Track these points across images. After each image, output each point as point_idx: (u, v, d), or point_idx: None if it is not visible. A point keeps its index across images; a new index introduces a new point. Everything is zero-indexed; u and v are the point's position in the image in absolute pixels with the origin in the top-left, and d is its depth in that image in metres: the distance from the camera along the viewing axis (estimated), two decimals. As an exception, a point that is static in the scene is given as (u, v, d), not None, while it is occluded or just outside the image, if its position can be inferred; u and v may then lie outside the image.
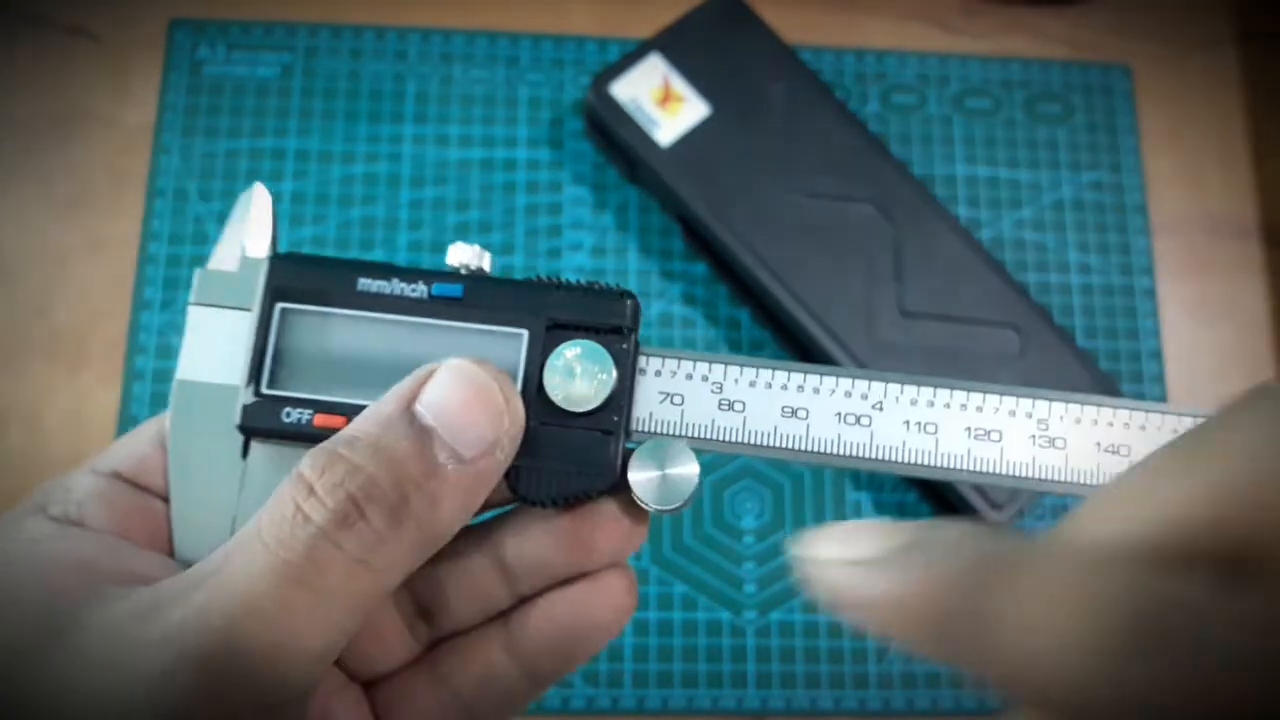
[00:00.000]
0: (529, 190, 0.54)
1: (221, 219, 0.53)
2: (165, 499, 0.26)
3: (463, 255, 0.26)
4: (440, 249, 0.53)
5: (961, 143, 0.57)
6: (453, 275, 0.25)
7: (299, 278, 0.25)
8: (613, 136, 0.52)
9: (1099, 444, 0.24)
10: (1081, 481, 0.24)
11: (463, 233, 0.53)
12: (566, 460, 0.25)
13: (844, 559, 0.19)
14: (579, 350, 0.25)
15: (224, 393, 0.25)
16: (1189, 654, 0.14)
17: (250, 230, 0.26)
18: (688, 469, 0.25)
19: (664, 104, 0.52)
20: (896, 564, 0.18)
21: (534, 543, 0.27)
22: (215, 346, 0.25)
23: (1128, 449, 0.24)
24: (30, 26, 0.55)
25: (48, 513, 0.24)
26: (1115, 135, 0.57)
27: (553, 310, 0.25)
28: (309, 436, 0.24)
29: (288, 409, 0.25)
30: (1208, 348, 0.55)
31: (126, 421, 0.50)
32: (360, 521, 0.22)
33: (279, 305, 0.25)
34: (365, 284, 0.25)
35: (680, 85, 0.52)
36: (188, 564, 0.24)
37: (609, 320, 0.25)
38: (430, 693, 0.28)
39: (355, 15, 0.56)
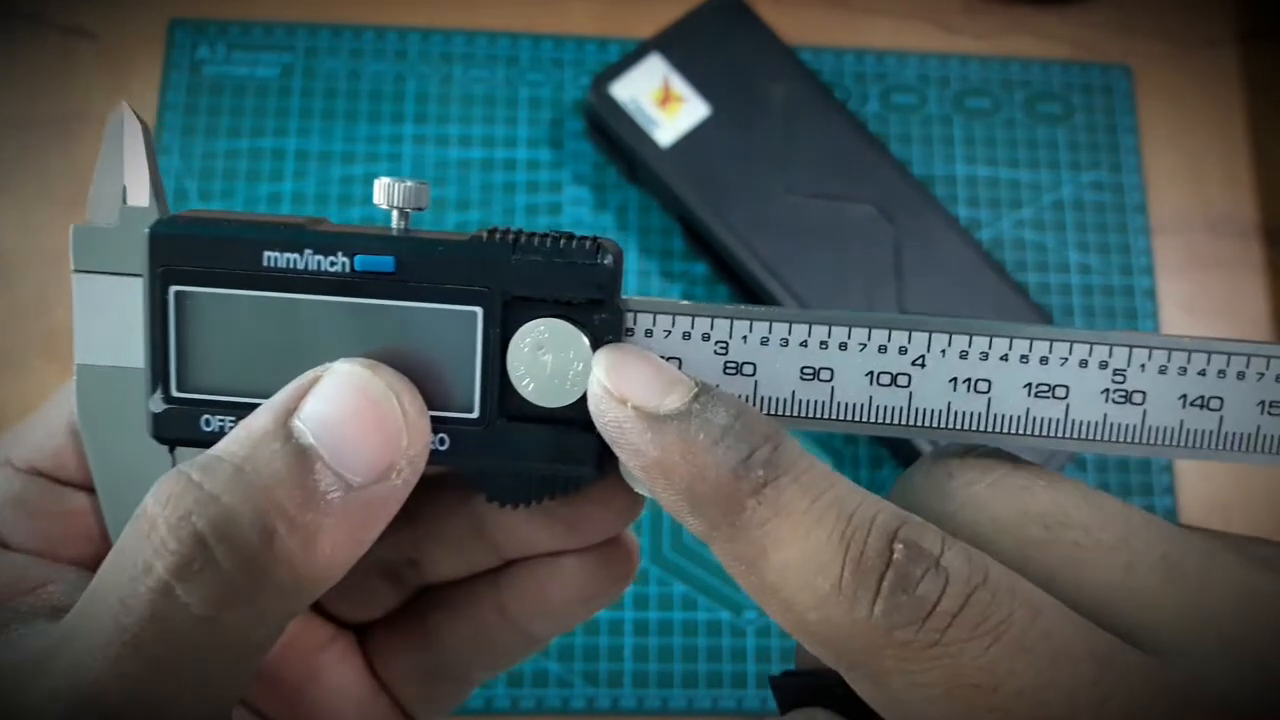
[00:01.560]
0: (529, 190, 0.54)
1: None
2: (87, 489, 0.23)
3: (394, 195, 0.21)
4: (440, 249, 0.53)
5: (961, 143, 0.57)
6: (383, 242, 0.20)
7: (190, 253, 0.20)
8: (613, 136, 0.52)
9: (1184, 397, 0.21)
10: (1161, 443, 0.21)
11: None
12: (540, 459, 0.21)
13: (642, 404, 0.19)
14: (546, 333, 0.20)
15: (135, 377, 0.21)
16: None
17: (127, 170, 0.21)
18: None
19: (664, 104, 0.52)
20: (679, 431, 0.19)
21: (518, 522, 0.24)
22: (113, 321, 0.21)
23: (1219, 401, 0.21)
24: (29, 26, 0.55)
25: None
26: (1115, 135, 0.57)
27: (508, 281, 0.20)
28: None
29: (206, 415, 0.21)
30: (1208, 348, 0.55)
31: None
32: (207, 567, 0.18)
33: (172, 289, 0.20)
34: (272, 257, 0.20)
35: (680, 85, 0.52)
36: None
37: (581, 292, 0.20)
38: (421, 645, 0.26)
39: (355, 15, 0.56)
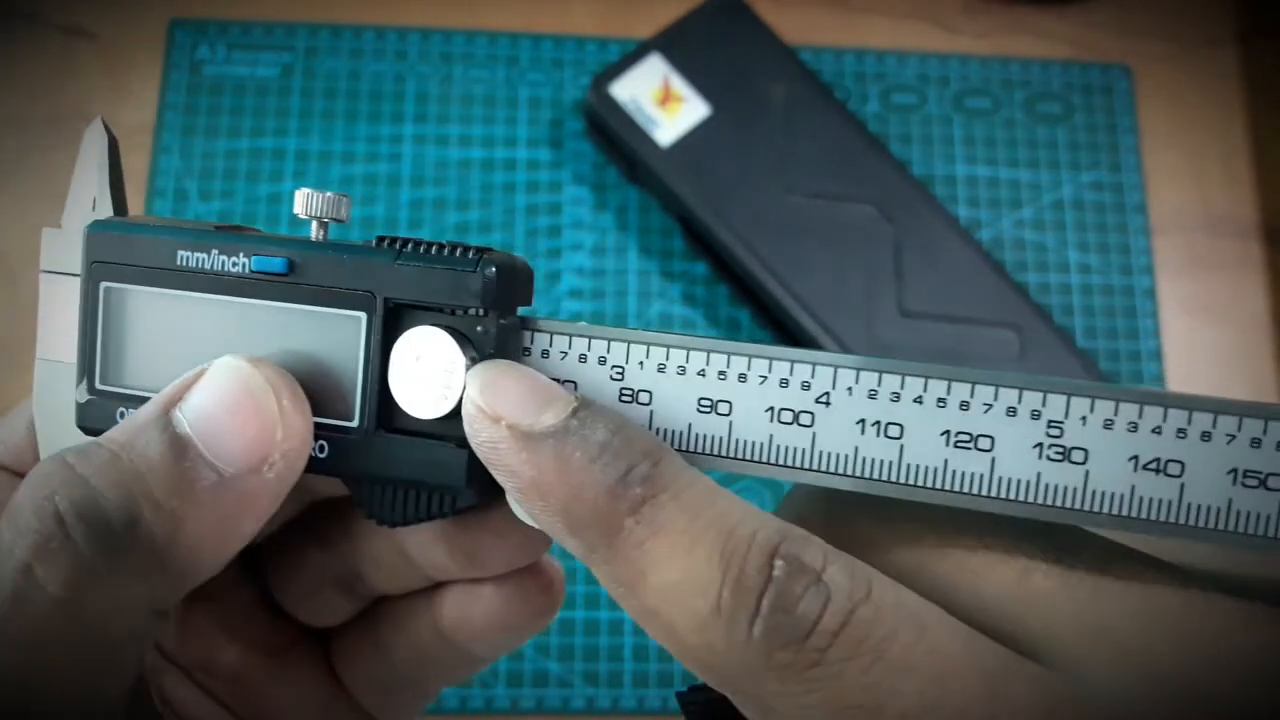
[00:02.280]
0: (529, 190, 0.54)
1: (222, 219, 0.53)
2: None
3: (312, 205, 0.21)
4: (440, 249, 0.53)
5: (961, 143, 0.57)
6: (279, 243, 0.20)
7: (119, 250, 0.21)
8: (613, 136, 0.52)
9: (1136, 459, 0.18)
10: (1107, 511, 0.18)
11: (463, 232, 0.53)
12: (414, 473, 0.20)
13: (516, 423, 0.18)
14: (424, 342, 0.20)
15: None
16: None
17: (98, 182, 0.22)
18: None
19: (664, 104, 0.52)
20: (555, 450, 0.18)
21: (428, 546, 0.24)
22: (70, 319, 0.22)
23: (1178, 466, 0.17)
24: (30, 26, 0.55)
25: None
26: (1115, 135, 0.57)
27: (391, 286, 0.20)
28: None
29: (121, 409, 0.21)
30: (1207, 347, 0.55)
31: (126, 421, 0.50)
32: (64, 547, 0.18)
33: (103, 284, 0.21)
34: (184, 256, 0.21)
35: (680, 85, 0.52)
36: None
37: (457, 299, 0.20)
38: (374, 655, 0.26)
39: (355, 15, 0.56)
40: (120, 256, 0.21)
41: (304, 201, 0.21)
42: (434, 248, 0.20)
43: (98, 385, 0.21)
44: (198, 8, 0.56)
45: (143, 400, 0.20)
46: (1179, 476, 0.17)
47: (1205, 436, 0.17)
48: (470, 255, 0.20)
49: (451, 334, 0.20)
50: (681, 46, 0.53)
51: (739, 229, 0.50)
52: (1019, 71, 0.58)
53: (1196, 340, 0.55)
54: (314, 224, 0.21)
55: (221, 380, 0.20)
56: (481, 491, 0.21)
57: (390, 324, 0.20)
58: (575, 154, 0.55)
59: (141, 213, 0.52)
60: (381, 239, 0.20)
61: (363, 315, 0.20)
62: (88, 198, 0.22)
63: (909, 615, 0.17)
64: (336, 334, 0.20)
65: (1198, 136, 0.58)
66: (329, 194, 0.21)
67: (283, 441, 0.19)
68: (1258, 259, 0.56)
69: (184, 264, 0.21)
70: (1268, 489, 0.17)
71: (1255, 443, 0.17)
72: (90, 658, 0.19)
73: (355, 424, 0.20)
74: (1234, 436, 0.17)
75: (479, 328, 0.20)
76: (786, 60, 0.53)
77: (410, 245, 0.20)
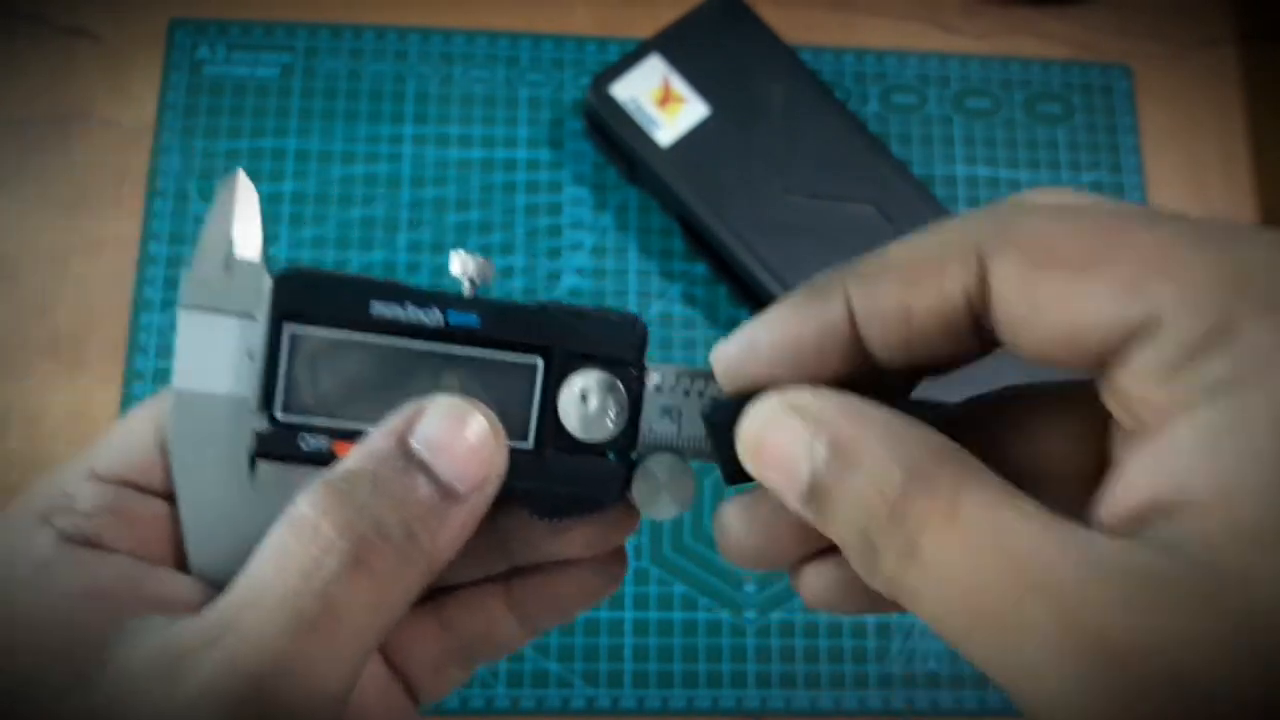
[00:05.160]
0: (529, 190, 0.54)
1: (221, 219, 0.53)
2: (165, 497, 0.25)
3: (467, 267, 0.25)
4: (440, 249, 0.53)
5: (961, 143, 0.57)
6: (467, 302, 0.25)
7: (307, 298, 0.24)
8: (613, 136, 0.52)
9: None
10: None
11: (463, 232, 0.53)
12: (576, 483, 0.25)
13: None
14: (593, 381, 0.25)
15: (224, 402, 0.24)
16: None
17: (237, 226, 0.25)
18: (684, 480, 0.26)
19: (664, 104, 0.52)
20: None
21: (538, 536, 0.28)
22: (210, 353, 0.24)
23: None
24: (30, 26, 0.55)
25: (54, 526, 0.24)
26: (1115, 135, 0.57)
27: (566, 340, 0.25)
28: (328, 462, 0.24)
29: (304, 436, 0.24)
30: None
31: (126, 421, 0.50)
32: (376, 562, 0.22)
33: (289, 329, 0.24)
34: (379, 308, 0.24)
35: (680, 85, 0.52)
36: (203, 575, 0.25)
37: (620, 351, 0.25)
38: (435, 636, 0.29)
39: (355, 15, 0.56)
40: (308, 303, 0.24)
41: (460, 264, 0.25)
42: (595, 311, 0.25)
43: (278, 416, 0.24)
44: (198, 8, 0.56)
45: (325, 430, 0.24)
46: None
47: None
48: (626, 317, 0.25)
49: (617, 377, 0.25)
50: (681, 46, 0.53)
51: (739, 229, 0.50)
52: (1019, 71, 0.58)
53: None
54: (466, 282, 0.25)
55: (447, 414, 0.23)
56: (620, 493, 0.25)
57: (559, 368, 0.25)
58: (575, 154, 0.55)
59: (140, 213, 0.53)
60: (547, 303, 0.25)
61: (539, 360, 0.25)
62: (223, 239, 0.25)
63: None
64: (513, 374, 0.25)
65: (1197, 136, 0.58)
66: (480, 258, 0.25)
67: (498, 464, 0.24)
68: (1258, 259, 0.56)
69: (378, 314, 0.24)
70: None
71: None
72: (374, 644, 0.22)
73: (530, 444, 0.25)
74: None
75: (629, 371, 0.25)
76: (786, 60, 0.53)
77: (575, 309, 0.25)
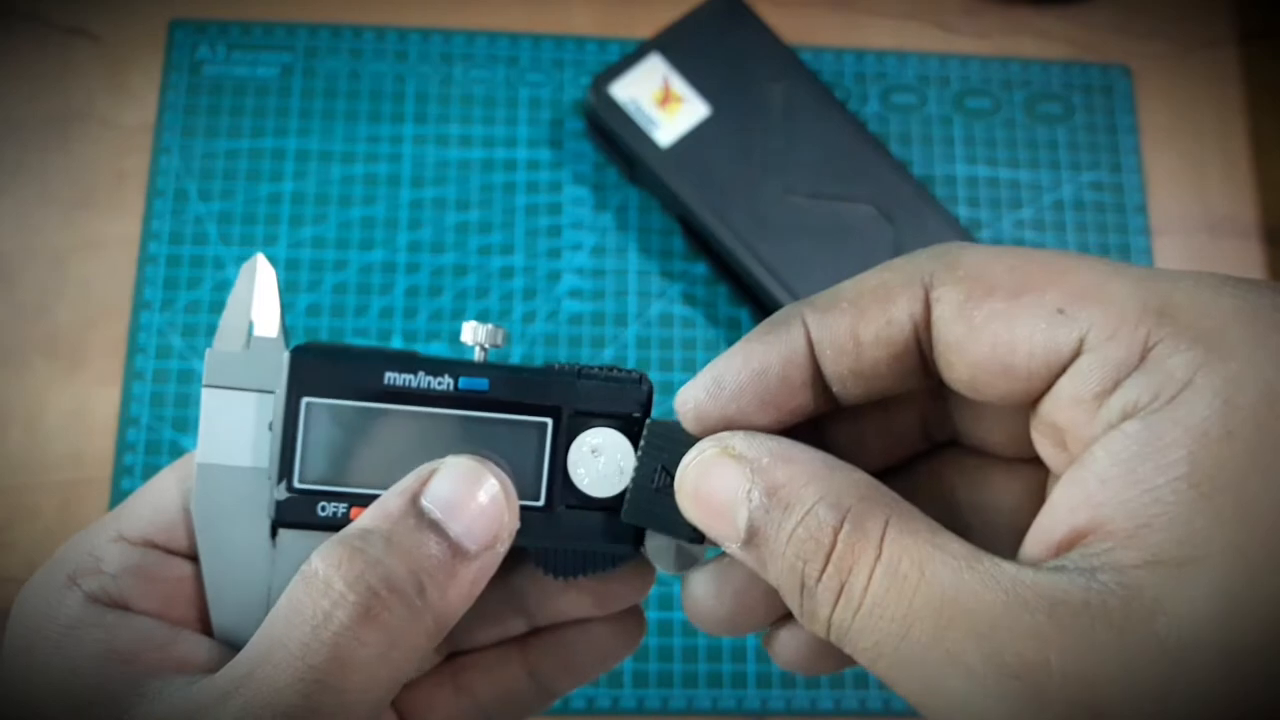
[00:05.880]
0: (529, 190, 0.54)
1: (222, 219, 0.53)
2: (193, 558, 0.26)
3: (478, 335, 0.26)
4: (440, 249, 0.53)
5: (961, 143, 0.57)
6: (477, 367, 0.26)
7: (322, 371, 0.25)
8: (613, 136, 0.52)
9: None
10: None
11: (463, 232, 0.53)
12: (589, 539, 0.26)
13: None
14: (601, 439, 0.26)
15: (246, 475, 0.25)
16: None
17: (256, 306, 0.26)
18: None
19: (664, 104, 0.52)
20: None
21: (554, 594, 0.28)
22: (233, 428, 0.26)
23: None
24: (30, 26, 0.55)
25: (81, 588, 0.24)
26: (1115, 135, 0.57)
27: (573, 400, 0.26)
28: (344, 527, 0.25)
29: (322, 503, 0.25)
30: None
31: (126, 422, 0.50)
32: (383, 614, 0.22)
33: (304, 400, 0.25)
34: (391, 378, 0.25)
35: (680, 85, 0.52)
36: (226, 639, 0.25)
37: (627, 409, 0.26)
38: (451, 700, 0.29)
39: (355, 15, 0.56)
40: (323, 376, 0.25)
41: (471, 332, 0.26)
42: (601, 370, 0.26)
43: (296, 484, 0.25)
44: (198, 8, 0.56)
45: (342, 495, 0.25)
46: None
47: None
48: (633, 376, 0.26)
49: (621, 432, 0.26)
50: (681, 46, 0.53)
51: (739, 229, 0.50)
52: (1019, 71, 0.58)
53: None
54: (477, 349, 0.26)
55: (460, 474, 0.24)
56: (636, 546, 0.26)
57: (569, 427, 0.26)
58: (575, 154, 0.55)
59: (140, 213, 0.53)
60: (554, 365, 0.26)
61: (549, 420, 0.26)
62: (243, 320, 0.26)
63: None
64: (525, 434, 0.26)
65: (1198, 137, 0.58)
66: (489, 326, 0.26)
67: (509, 523, 0.24)
68: (1258, 259, 0.56)
69: (391, 383, 0.25)
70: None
71: None
72: (384, 696, 0.23)
73: (541, 502, 0.26)
74: None
75: (637, 429, 0.26)
76: (786, 60, 0.53)
77: (585, 369, 0.26)
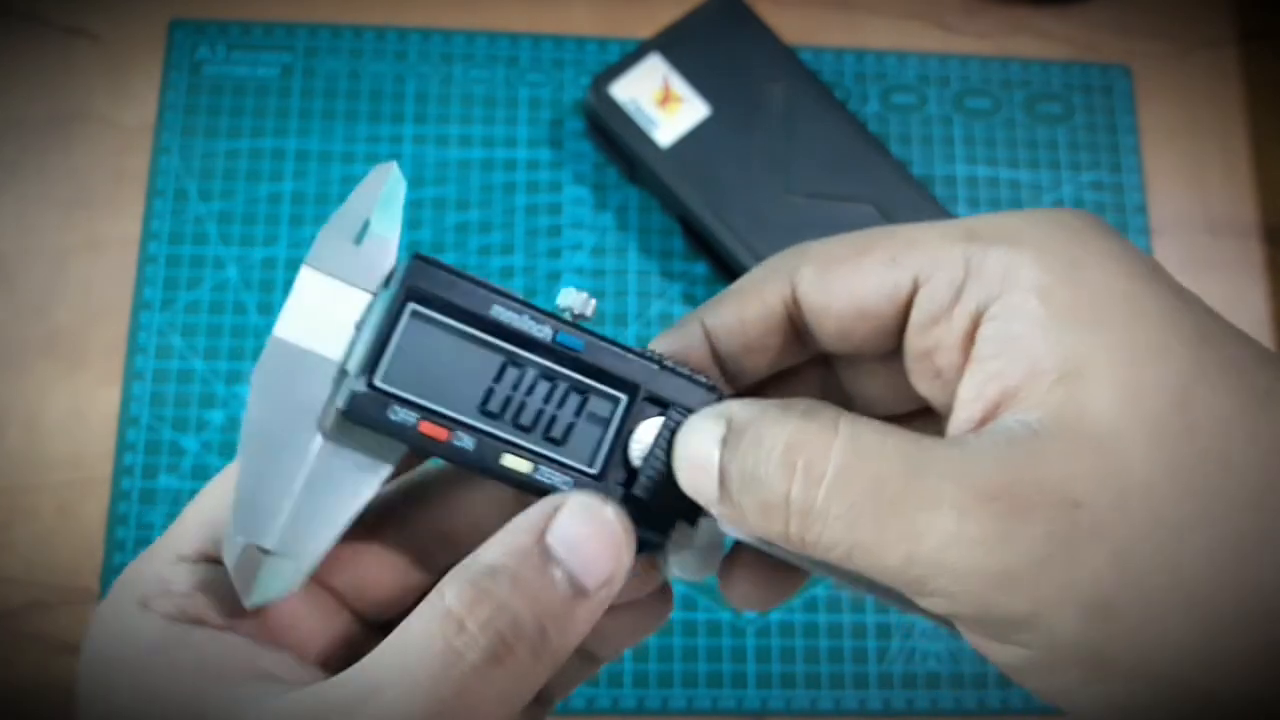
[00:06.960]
0: (529, 190, 0.54)
1: (222, 219, 0.53)
2: None
3: (573, 300, 0.27)
4: (440, 249, 0.53)
5: (961, 143, 0.57)
6: (576, 328, 0.26)
7: (437, 285, 0.25)
8: (612, 137, 0.52)
9: None
10: None
11: (463, 232, 0.53)
12: (632, 519, 0.26)
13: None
14: (660, 430, 0.26)
15: (316, 363, 0.25)
16: None
17: (381, 207, 0.26)
18: (715, 552, 0.27)
19: (664, 104, 0.52)
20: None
21: None
22: (319, 314, 0.25)
23: None
24: (30, 26, 0.55)
25: (156, 611, 0.25)
26: (1115, 135, 0.57)
27: (654, 384, 0.26)
28: (410, 438, 0.25)
29: (395, 407, 0.25)
30: (1208, 348, 0.55)
31: (126, 422, 0.50)
32: (510, 658, 0.23)
33: (411, 305, 0.25)
34: (499, 311, 0.25)
35: (680, 85, 0.52)
36: (236, 537, 0.24)
37: (697, 407, 0.26)
38: None
39: (355, 15, 0.56)
40: (436, 289, 0.25)
41: (566, 297, 0.27)
42: (685, 369, 0.26)
43: (377, 383, 0.25)
44: (198, 8, 0.56)
45: (414, 406, 0.25)
46: None
47: None
48: (709, 383, 0.26)
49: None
50: (681, 47, 0.53)
51: (739, 229, 0.50)
52: (1019, 71, 0.58)
53: (1196, 340, 0.55)
54: (568, 313, 0.27)
55: (583, 513, 0.25)
56: (666, 535, 0.27)
57: (639, 408, 0.26)
58: (575, 154, 0.55)
59: (140, 213, 0.53)
60: (645, 352, 0.27)
61: (623, 396, 0.26)
62: (360, 215, 0.26)
63: None
64: (599, 402, 0.26)
65: (1198, 137, 0.58)
66: (585, 294, 0.27)
67: (626, 562, 0.25)
68: (1258, 259, 0.56)
69: (496, 316, 0.25)
70: None
71: None
72: None
73: (596, 471, 0.26)
74: None
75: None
76: (786, 60, 0.53)
77: (662, 359, 0.27)
